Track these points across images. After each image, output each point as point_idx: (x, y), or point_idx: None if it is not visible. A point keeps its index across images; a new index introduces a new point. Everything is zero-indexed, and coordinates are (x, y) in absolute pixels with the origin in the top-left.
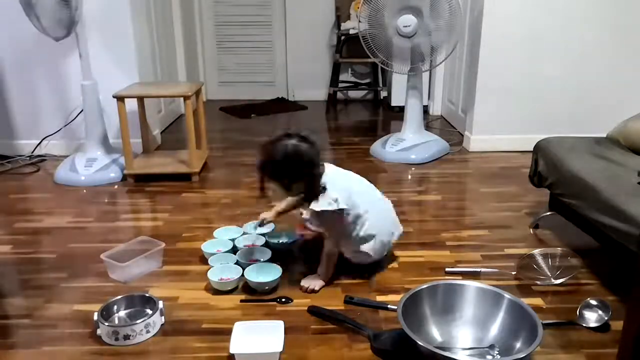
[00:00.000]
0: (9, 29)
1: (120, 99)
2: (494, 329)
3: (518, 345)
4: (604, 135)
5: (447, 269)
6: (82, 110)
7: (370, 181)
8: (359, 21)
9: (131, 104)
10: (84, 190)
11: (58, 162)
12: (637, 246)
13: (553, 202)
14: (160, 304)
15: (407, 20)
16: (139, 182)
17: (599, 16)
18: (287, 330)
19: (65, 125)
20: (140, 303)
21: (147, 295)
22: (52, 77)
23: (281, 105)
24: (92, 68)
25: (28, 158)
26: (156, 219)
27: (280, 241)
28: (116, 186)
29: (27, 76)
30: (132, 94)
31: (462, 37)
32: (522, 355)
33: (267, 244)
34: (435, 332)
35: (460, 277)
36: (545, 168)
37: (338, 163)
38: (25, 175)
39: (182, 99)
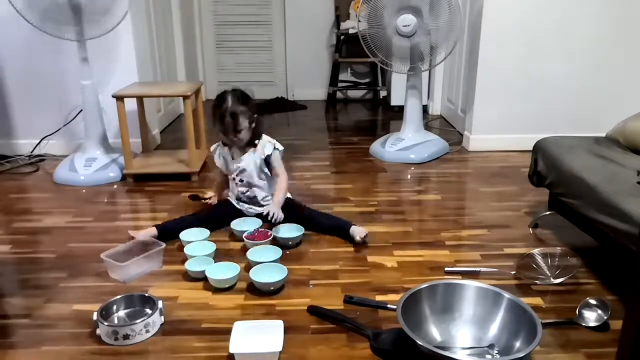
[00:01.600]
0: (9, 28)
1: (119, 98)
2: (494, 329)
3: (517, 344)
4: (604, 134)
5: (446, 269)
6: (81, 110)
7: (369, 181)
8: (359, 21)
9: (130, 104)
10: (84, 190)
11: (57, 161)
12: (637, 245)
13: (552, 201)
14: (160, 304)
15: (407, 20)
16: (138, 181)
17: (599, 16)
18: (287, 330)
19: (65, 125)
20: (140, 303)
21: (146, 294)
22: (51, 76)
23: (281, 105)
24: (92, 68)
25: (27, 158)
26: (156, 218)
27: (288, 236)
28: (115, 186)
29: (26, 76)
30: (131, 93)
31: (462, 36)
32: (521, 354)
33: (275, 240)
34: (435, 332)
35: (460, 277)
36: (544, 167)
37: (337, 162)
38: (25, 175)
39: (181, 98)
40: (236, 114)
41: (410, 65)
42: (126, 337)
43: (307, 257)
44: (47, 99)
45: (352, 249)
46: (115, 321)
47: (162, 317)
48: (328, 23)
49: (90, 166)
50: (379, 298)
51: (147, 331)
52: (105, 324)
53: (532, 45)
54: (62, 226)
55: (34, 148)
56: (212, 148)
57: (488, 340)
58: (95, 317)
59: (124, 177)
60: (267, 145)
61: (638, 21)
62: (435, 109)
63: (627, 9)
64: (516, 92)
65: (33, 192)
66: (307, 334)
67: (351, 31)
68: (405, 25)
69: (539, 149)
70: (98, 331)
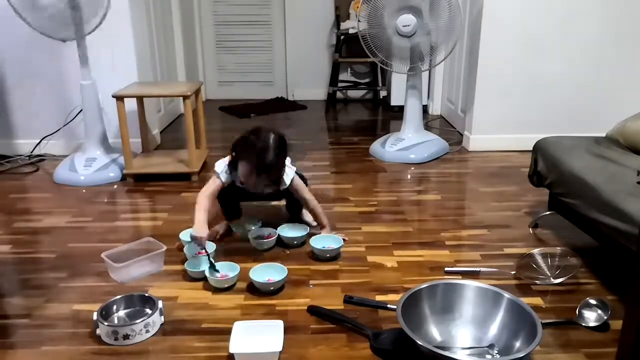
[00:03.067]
0: (9, 28)
1: (119, 98)
2: (494, 329)
3: (517, 344)
4: (604, 134)
5: (446, 269)
6: (81, 110)
7: (369, 181)
8: (359, 21)
9: (130, 104)
10: (84, 190)
11: (57, 161)
12: (637, 245)
13: (552, 201)
14: (160, 304)
15: (407, 20)
16: (138, 181)
17: (599, 16)
18: (287, 330)
19: (65, 125)
20: (140, 303)
21: (146, 294)
22: (51, 76)
23: (280, 105)
24: (92, 68)
25: (27, 158)
26: (155, 218)
27: (292, 236)
28: (115, 186)
29: (26, 76)
30: (131, 93)
31: (462, 36)
32: (521, 354)
33: (279, 239)
34: (435, 332)
35: (460, 277)
36: (544, 167)
37: (337, 162)
38: (25, 175)
39: (181, 98)
40: (279, 177)
41: (410, 65)
42: (126, 337)
43: (307, 257)
44: (47, 99)
45: (352, 249)
46: (115, 321)
47: (162, 317)
48: (328, 23)
49: (90, 166)
50: (379, 298)
51: (147, 331)
52: (105, 324)
53: (532, 45)
54: (62, 226)
55: (34, 148)
56: (219, 168)
57: (488, 340)
58: (95, 317)
59: (124, 177)
60: (288, 173)
61: (638, 21)
62: (435, 109)
63: (626, 9)
64: (516, 92)
65: (33, 192)
66: (307, 334)
67: (351, 31)
68: (405, 25)
69: (539, 149)
70: (98, 331)
